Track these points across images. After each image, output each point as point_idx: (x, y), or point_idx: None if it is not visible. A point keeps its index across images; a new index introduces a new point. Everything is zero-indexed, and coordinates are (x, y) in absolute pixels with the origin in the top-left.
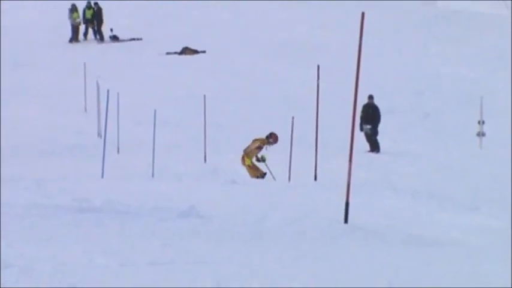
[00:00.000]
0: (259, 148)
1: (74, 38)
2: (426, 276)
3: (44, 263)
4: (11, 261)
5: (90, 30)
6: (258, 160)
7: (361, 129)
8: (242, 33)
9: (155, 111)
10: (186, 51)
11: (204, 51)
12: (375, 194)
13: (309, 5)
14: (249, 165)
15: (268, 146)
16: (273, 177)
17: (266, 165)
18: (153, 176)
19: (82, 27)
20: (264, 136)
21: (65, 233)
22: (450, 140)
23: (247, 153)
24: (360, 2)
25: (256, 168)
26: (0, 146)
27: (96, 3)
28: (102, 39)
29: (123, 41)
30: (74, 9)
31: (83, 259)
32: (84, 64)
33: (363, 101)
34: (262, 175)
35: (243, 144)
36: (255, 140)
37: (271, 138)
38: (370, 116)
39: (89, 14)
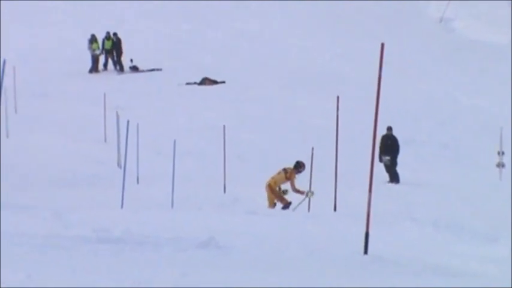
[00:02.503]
0: (287, 179)
1: (94, 69)
2: None
3: None
4: None
5: (110, 61)
6: (282, 192)
7: (380, 160)
8: (261, 63)
9: (175, 141)
10: (205, 81)
11: (223, 82)
12: (395, 225)
13: (328, 35)
14: (273, 190)
15: (297, 175)
16: (293, 208)
17: (309, 197)
18: (172, 206)
19: (102, 58)
20: (290, 165)
21: (84, 264)
22: (470, 170)
23: (275, 180)
24: (379, 33)
25: (282, 196)
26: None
27: (115, 34)
28: (122, 69)
29: (142, 71)
30: (93, 39)
31: None
32: (104, 94)
33: (382, 131)
34: (287, 204)
35: (262, 175)
36: (285, 170)
37: (301, 168)
38: (389, 147)
39: (108, 44)
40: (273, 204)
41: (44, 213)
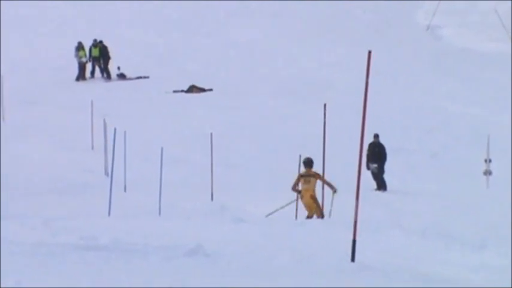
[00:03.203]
0: (318, 179)
1: (81, 76)
2: None
3: None
4: None
5: (97, 69)
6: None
7: (368, 167)
8: (249, 71)
9: (162, 149)
10: (193, 89)
11: (211, 89)
12: (382, 233)
13: (317, 43)
14: (315, 199)
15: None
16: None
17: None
18: (160, 214)
19: (89, 66)
20: (307, 170)
21: (72, 271)
22: (457, 178)
23: (313, 188)
24: (368, 40)
25: (320, 207)
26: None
27: (101, 41)
28: (109, 77)
29: (130, 79)
30: (80, 47)
31: None
32: (91, 102)
33: (369, 139)
34: (323, 215)
35: (250, 183)
36: (310, 175)
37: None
38: (377, 154)
39: (95, 52)
40: (313, 212)
41: (32, 221)
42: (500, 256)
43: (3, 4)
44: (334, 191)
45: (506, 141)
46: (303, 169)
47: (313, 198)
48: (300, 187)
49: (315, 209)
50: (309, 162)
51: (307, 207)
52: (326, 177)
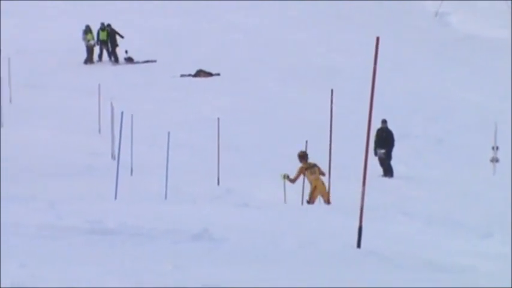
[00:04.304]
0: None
1: (89, 60)
2: None
3: (57, 284)
4: (24, 282)
5: (105, 52)
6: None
7: (375, 153)
8: (256, 56)
9: (169, 133)
10: (200, 73)
11: (218, 74)
12: (388, 219)
13: (324, 29)
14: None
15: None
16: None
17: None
18: (166, 198)
19: (97, 49)
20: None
21: (78, 255)
22: (464, 165)
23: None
24: (375, 26)
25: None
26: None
27: (108, 25)
28: (116, 60)
29: (137, 62)
30: (88, 30)
31: (96, 281)
32: (99, 85)
33: (376, 125)
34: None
35: (256, 167)
36: (314, 166)
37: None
38: (384, 140)
39: (103, 35)
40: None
41: (38, 203)
42: (505, 244)
43: None
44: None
45: None
46: (298, 164)
47: (324, 184)
48: (307, 179)
49: (326, 193)
50: (305, 156)
51: (322, 194)
52: (332, 164)
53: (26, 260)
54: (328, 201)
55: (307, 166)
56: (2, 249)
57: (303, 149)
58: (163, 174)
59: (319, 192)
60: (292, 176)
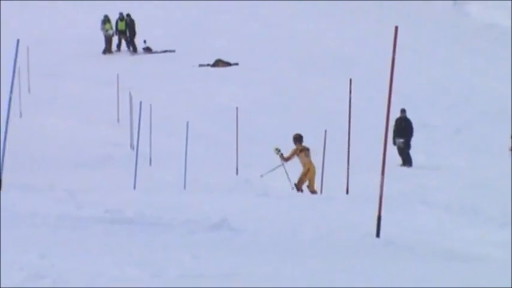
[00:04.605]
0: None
1: (107, 49)
2: None
3: (76, 274)
4: (44, 272)
5: (123, 42)
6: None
7: (394, 143)
8: (275, 45)
9: (187, 123)
10: (218, 63)
11: (236, 64)
12: (407, 208)
13: (341, 18)
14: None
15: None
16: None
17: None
18: (184, 188)
19: (115, 39)
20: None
21: (97, 244)
22: (482, 154)
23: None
24: (393, 15)
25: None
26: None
27: (128, 15)
28: (135, 50)
29: (156, 52)
30: (106, 20)
31: (115, 270)
32: (117, 75)
33: (395, 114)
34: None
35: (274, 157)
36: (306, 149)
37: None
38: (403, 129)
39: (121, 25)
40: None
41: (57, 193)
42: None
43: None
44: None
45: None
46: (292, 145)
47: (315, 170)
48: (300, 161)
49: (314, 180)
50: (300, 138)
51: (311, 179)
52: (350, 154)
53: (46, 250)
54: (313, 189)
55: (302, 148)
56: (23, 240)
57: (299, 132)
58: (182, 164)
59: (309, 176)
60: (285, 155)
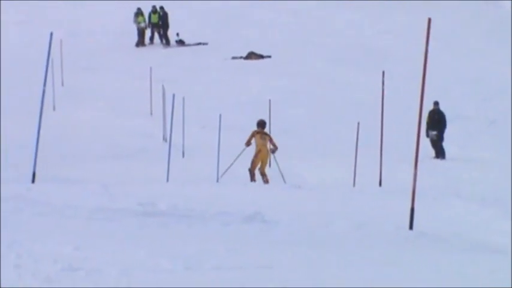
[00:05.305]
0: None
1: (140, 42)
2: (491, 284)
3: (110, 266)
4: (78, 265)
5: (156, 35)
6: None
7: (427, 135)
8: (307, 38)
9: (220, 115)
10: (251, 56)
11: (269, 56)
12: (440, 201)
13: (375, 10)
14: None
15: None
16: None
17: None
18: (217, 180)
19: (148, 31)
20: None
21: (130, 237)
22: None
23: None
24: (427, 7)
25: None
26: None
27: (161, 8)
28: (168, 43)
29: (189, 45)
30: (139, 13)
31: (149, 262)
32: (150, 68)
33: (428, 106)
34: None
35: (307, 149)
36: (265, 134)
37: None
38: (436, 122)
39: (154, 18)
40: (265, 167)
41: (90, 186)
42: None
43: None
44: (273, 151)
45: None
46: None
47: (269, 153)
48: (255, 143)
49: (266, 163)
50: (263, 123)
51: (263, 161)
52: (383, 146)
53: (80, 242)
54: (263, 171)
55: (258, 131)
56: (57, 232)
57: (263, 118)
58: (214, 157)
59: (260, 158)
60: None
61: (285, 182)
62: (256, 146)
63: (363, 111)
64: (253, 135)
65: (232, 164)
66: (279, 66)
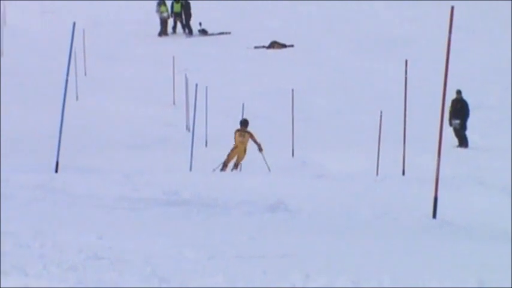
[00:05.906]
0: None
1: (163, 32)
2: None
3: (134, 255)
4: (102, 254)
5: (179, 24)
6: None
7: (450, 124)
8: (330, 26)
9: (243, 104)
10: (274, 45)
11: (292, 45)
12: (463, 189)
13: None
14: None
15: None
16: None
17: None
18: (240, 169)
19: (170, 21)
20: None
21: (154, 226)
22: None
23: (245, 144)
24: None
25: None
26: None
27: None
28: (190, 32)
29: (211, 34)
30: (162, 2)
31: (172, 251)
32: (173, 57)
33: (451, 95)
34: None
35: (330, 139)
36: (246, 132)
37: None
38: (459, 111)
39: (177, 7)
40: (240, 160)
41: (113, 175)
42: None
43: None
44: (260, 149)
45: None
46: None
47: (245, 151)
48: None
49: (241, 159)
50: (244, 122)
51: (238, 156)
52: (406, 135)
53: (104, 231)
54: (238, 163)
55: (240, 130)
56: (81, 221)
57: (245, 117)
58: None
59: (236, 153)
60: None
61: (269, 170)
62: (235, 142)
63: (386, 100)
64: (235, 134)
65: (222, 163)
66: (301, 56)
